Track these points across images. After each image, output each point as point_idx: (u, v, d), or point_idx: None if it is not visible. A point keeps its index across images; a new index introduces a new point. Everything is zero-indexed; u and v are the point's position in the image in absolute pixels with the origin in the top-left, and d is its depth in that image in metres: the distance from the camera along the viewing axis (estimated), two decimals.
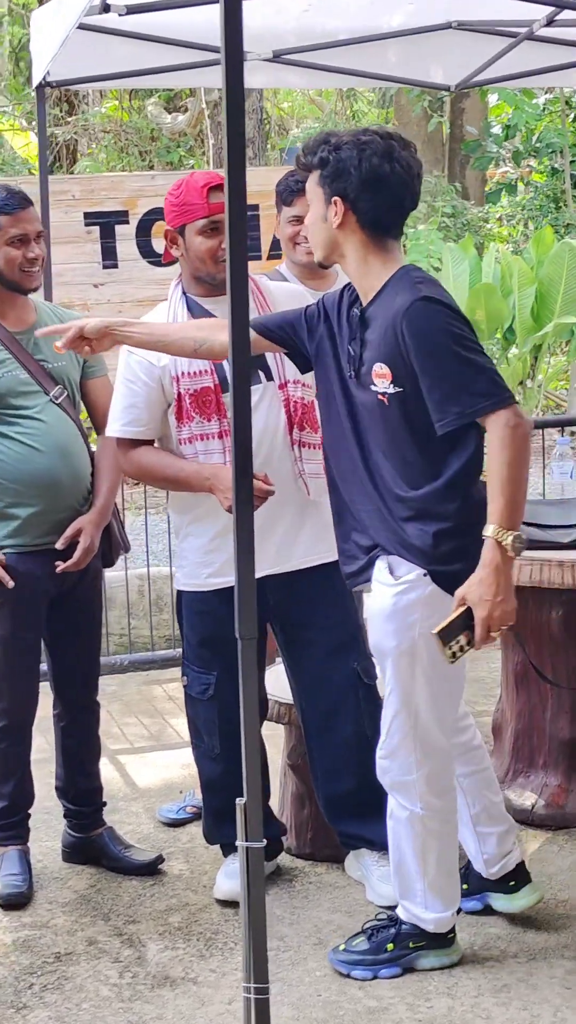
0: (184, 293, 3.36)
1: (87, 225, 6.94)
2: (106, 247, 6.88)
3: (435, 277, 3.18)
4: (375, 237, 2.89)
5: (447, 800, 3.08)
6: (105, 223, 6.79)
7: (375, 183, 2.83)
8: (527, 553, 3.70)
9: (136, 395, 3.32)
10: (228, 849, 3.59)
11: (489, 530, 2.75)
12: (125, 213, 6.59)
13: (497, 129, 13.19)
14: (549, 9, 4.70)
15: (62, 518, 3.46)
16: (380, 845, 3.39)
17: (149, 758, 4.66)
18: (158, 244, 6.41)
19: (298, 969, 3.13)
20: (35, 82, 5.21)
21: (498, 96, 11.93)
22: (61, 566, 3.43)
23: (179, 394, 3.27)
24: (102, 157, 10.38)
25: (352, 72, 5.55)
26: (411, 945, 3.11)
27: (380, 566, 2.97)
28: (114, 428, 3.36)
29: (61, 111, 11.06)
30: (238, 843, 2.46)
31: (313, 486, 3.31)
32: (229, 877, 3.49)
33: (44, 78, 5.17)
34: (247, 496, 2.31)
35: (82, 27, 4.69)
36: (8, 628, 3.48)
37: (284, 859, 3.72)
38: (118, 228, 6.79)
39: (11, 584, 3.37)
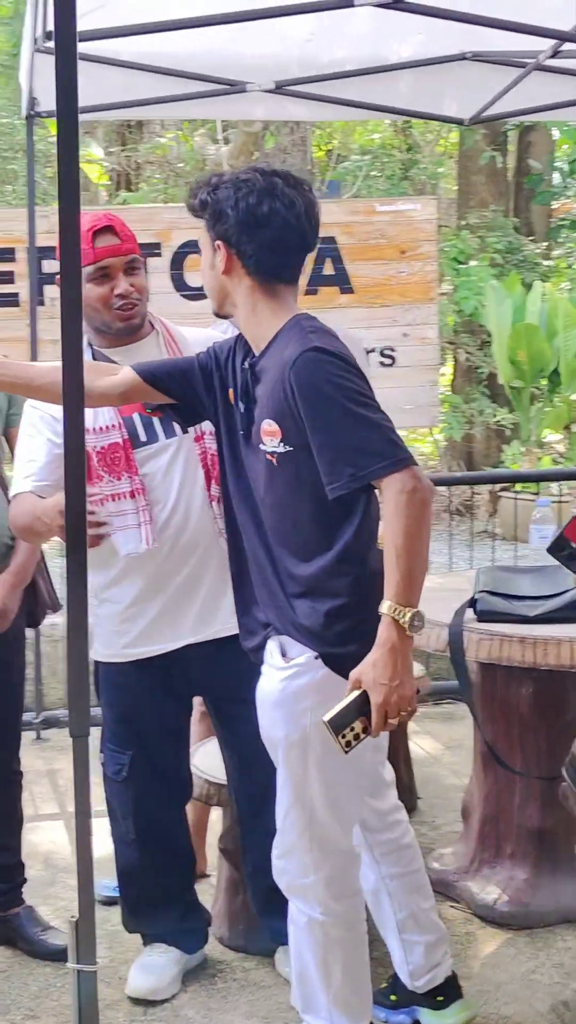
0: (90, 344, 3.11)
1: None
2: None
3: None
4: (263, 283, 2.62)
5: (350, 904, 2.76)
6: None
7: (253, 224, 2.56)
8: (487, 627, 3.41)
9: (37, 450, 3.05)
10: (148, 939, 3.32)
11: (385, 607, 2.44)
12: (158, 245, 6.38)
13: (563, 164, 12.87)
14: (554, 40, 4.42)
15: None
16: None
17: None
18: (192, 278, 6.22)
19: None
20: (23, 112, 5.04)
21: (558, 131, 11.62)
22: None
23: (86, 453, 3.02)
24: (150, 188, 10.21)
25: (360, 104, 5.30)
26: None
27: (271, 647, 2.67)
28: (15, 484, 3.10)
29: (111, 142, 10.94)
30: (68, 964, 2.17)
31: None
32: (143, 971, 3.22)
33: (33, 108, 5.01)
34: (79, 568, 2.04)
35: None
36: None
37: (215, 950, 3.44)
38: (151, 261, 6.63)
39: None
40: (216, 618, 3.10)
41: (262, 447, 2.60)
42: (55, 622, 3.71)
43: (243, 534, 2.73)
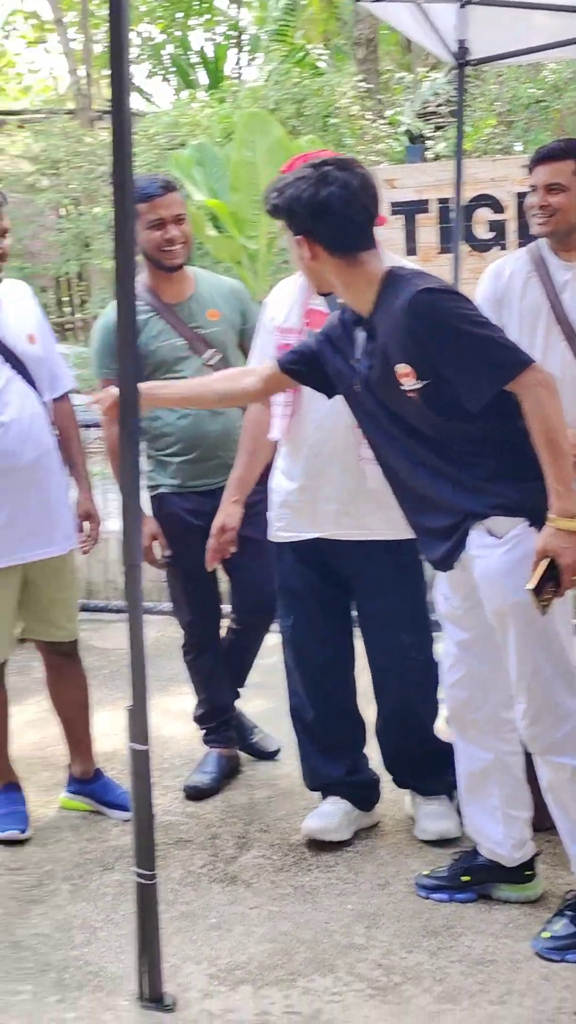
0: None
1: None
2: None
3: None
4: (346, 257, 2.98)
5: None
6: None
7: (320, 212, 2.94)
8: None
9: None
10: (324, 792, 3.79)
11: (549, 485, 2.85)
12: None
13: None
14: None
15: (209, 466, 3.98)
16: (428, 792, 3.70)
17: None
18: None
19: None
20: (451, 61, 5.41)
21: None
22: None
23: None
24: None
25: None
26: None
27: (475, 535, 3.01)
28: None
29: None
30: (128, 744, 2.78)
31: (370, 472, 3.41)
32: (314, 816, 3.72)
33: (465, 56, 5.39)
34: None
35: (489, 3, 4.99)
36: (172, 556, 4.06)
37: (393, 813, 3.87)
38: None
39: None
40: (349, 523, 3.55)
41: (402, 388, 2.97)
42: None
43: (414, 462, 3.07)
